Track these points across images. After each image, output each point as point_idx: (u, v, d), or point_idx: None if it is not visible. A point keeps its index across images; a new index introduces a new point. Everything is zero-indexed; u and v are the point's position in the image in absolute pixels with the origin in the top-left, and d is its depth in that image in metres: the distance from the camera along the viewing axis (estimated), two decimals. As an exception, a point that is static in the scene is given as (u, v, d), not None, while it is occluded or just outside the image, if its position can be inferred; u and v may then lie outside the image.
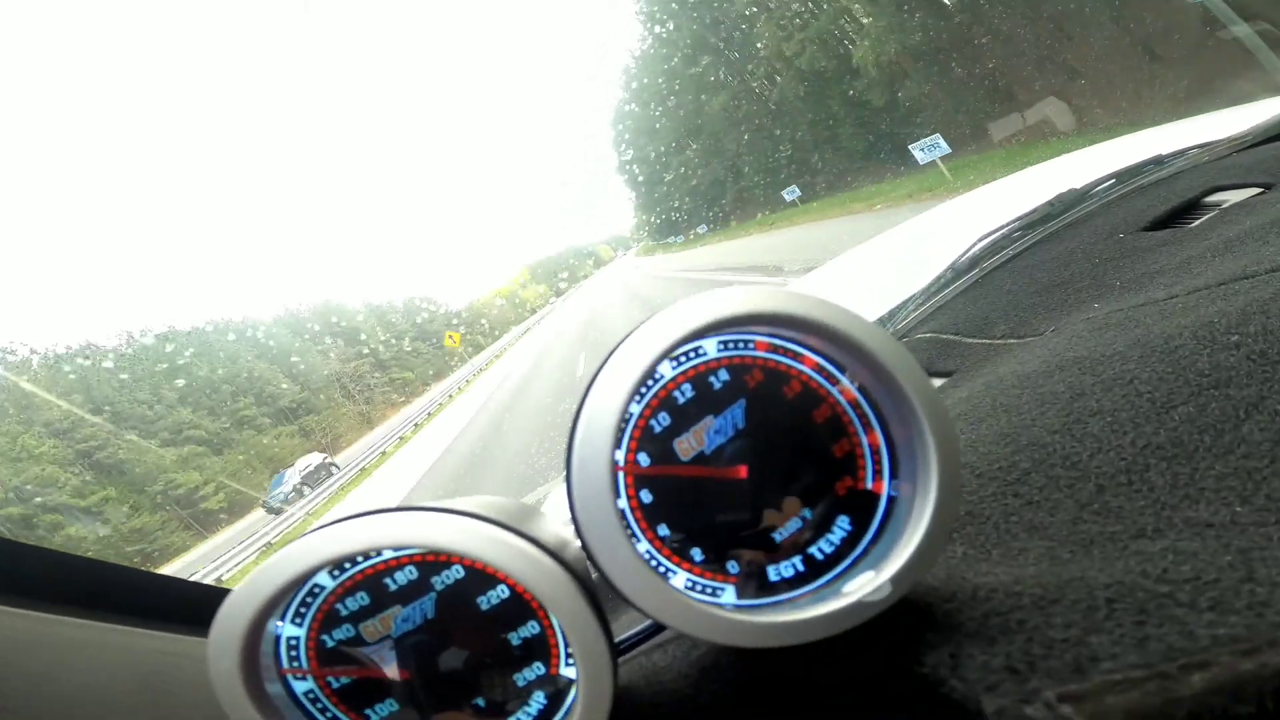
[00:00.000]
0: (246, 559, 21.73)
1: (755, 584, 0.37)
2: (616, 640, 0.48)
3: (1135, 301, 0.77)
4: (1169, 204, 1.08)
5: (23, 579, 0.44)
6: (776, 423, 0.37)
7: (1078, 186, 1.39)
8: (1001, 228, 1.35)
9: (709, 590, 0.37)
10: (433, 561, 0.37)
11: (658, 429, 0.38)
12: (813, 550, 0.37)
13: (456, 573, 0.37)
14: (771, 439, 0.37)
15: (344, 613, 0.37)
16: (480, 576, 0.37)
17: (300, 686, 0.37)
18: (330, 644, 0.37)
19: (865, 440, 0.37)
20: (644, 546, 0.37)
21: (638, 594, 0.33)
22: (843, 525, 0.37)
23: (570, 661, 0.37)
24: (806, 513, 0.37)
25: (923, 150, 15.15)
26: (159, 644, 0.49)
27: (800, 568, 0.37)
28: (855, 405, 0.37)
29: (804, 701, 0.37)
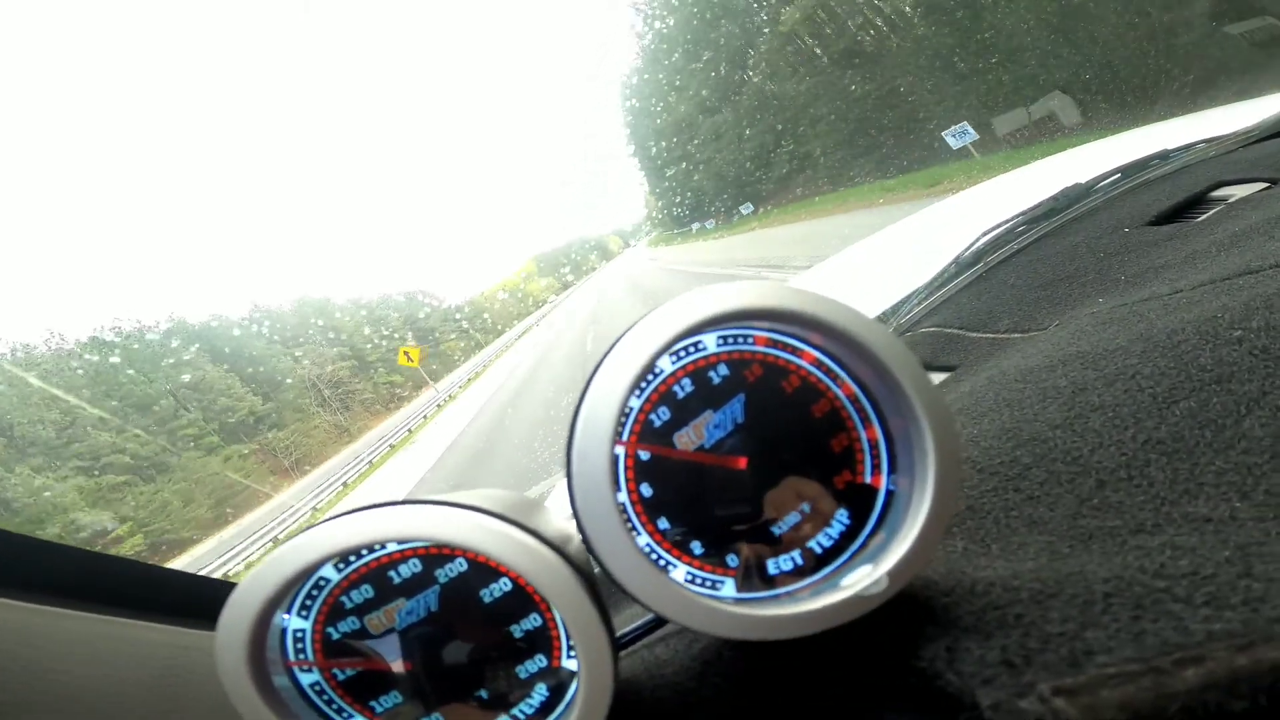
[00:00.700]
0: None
1: (755, 577, 0.37)
2: (620, 634, 0.49)
3: (1140, 296, 0.77)
4: (1175, 198, 1.07)
5: (35, 574, 0.45)
6: (775, 417, 0.38)
7: (1083, 181, 1.38)
8: (1006, 222, 1.35)
9: (709, 583, 0.37)
10: (436, 555, 0.38)
11: (658, 423, 0.38)
12: (812, 544, 0.37)
13: (460, 566, 0.38)
14: (771, 433, 0.38)
15: (349, 605, 0.38)
16: (483, 569, 0.38)
17: (306, 679, 0.38)
18: (335, 637, 0.38)
19: (864, 435, 0.37)
20: (644, 540, 0.38)
21: (637, 587, 0.33)
22: (841, 519, 0.37)
23: (572, 654, 0.38)
24: (805, 506, 0.37)
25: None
26: (169, 638, 0.50)
27: (799, 561, 0.37)
28: (854, 400, 0.38)
29: (804, 694, 0.37)
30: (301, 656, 0.37)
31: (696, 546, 0.38)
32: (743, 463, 0.37)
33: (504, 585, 0.38)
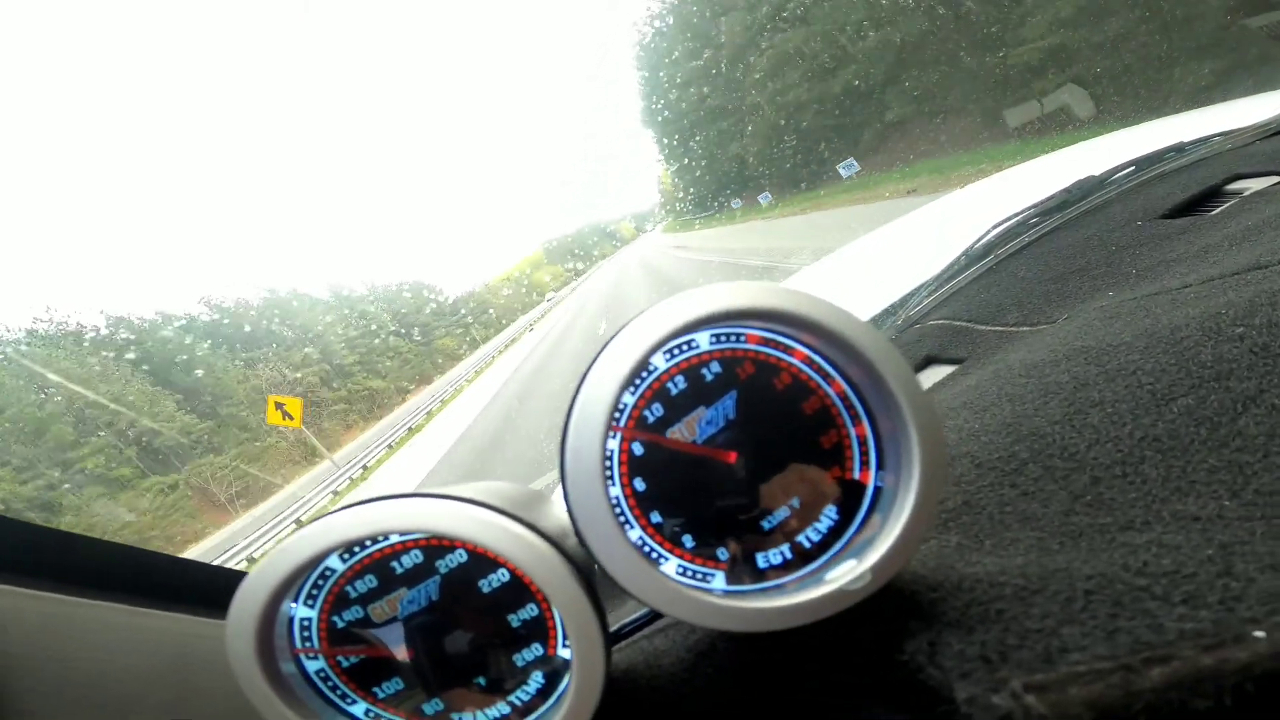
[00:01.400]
0: None
1: (745, 571, 0.38)
2: (620, 625, 0.50)
3: (1149, 290, 0.76)
4: (1189, 191, 1.06)
5: (53, 564, 0.47)
6: (767, 414, 0.38)
7: (1096, 174, 1.36)
8: (1017, 214, 1.33)
9: (699, 576, 0.38)
10: (437, 546, 0.39)
11: (651, 419, 0.39)
12: (801, 538, 0.38)
13: (460, 557, 0.39)
14: (762, 429, 0.38)
15: (353, 595, 0.39)
16: (482, 561, 0.39)
17: (312, 666, 0.39)
18: (340, 625, 0.39)
19: (853, 432, 0.38)
20: (636, 533, 0.38)
21: (629, 579, 0.34)
22: (830, 514, 0.38)
23: (567, 643, 0.39)
24: (795, 501, 0.38)
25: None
26: (181, 626, 0.51)
27: (788, 555, 0.38)
28: (844, 397, 0.38)
29: (793, 685, 0.38)
30: (308, 644, 0.39)
31: (688, 540, 0.38)
32: (734, 457, 0.38)
33: (502, 576, 0.39)
